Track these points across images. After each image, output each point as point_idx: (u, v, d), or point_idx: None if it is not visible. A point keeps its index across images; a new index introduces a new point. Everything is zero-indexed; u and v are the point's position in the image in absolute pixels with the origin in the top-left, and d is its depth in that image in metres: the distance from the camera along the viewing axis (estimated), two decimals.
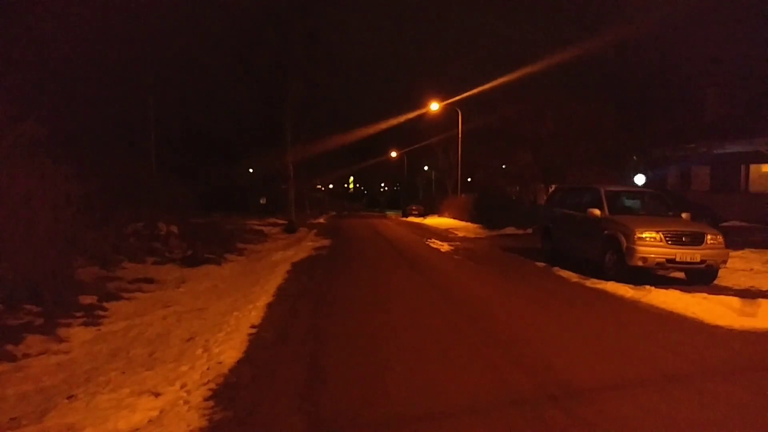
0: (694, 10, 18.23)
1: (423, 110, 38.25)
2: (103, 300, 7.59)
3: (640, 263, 9.33)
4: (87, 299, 7.46)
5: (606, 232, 10.17)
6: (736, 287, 9.27)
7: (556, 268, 11.36)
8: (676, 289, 8.34)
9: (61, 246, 7.60)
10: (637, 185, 18.71)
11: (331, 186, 74.14)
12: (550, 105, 22.40)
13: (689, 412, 3.88)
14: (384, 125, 42.47)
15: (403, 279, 10.48)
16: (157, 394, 4.09)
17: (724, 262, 9.57)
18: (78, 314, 6.76)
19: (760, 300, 7.23)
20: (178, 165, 25.75)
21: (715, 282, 9.64)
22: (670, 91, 20.43)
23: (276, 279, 9.96)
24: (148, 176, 19.10)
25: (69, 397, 4.09)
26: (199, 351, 5.26)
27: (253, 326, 6.31)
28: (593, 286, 9.36)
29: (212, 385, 4.35)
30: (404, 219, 43.56)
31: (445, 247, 17.21)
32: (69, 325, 6.30)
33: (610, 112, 20.35)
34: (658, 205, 11.56)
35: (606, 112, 20.38)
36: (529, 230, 21.90)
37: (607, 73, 21.70)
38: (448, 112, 35.34)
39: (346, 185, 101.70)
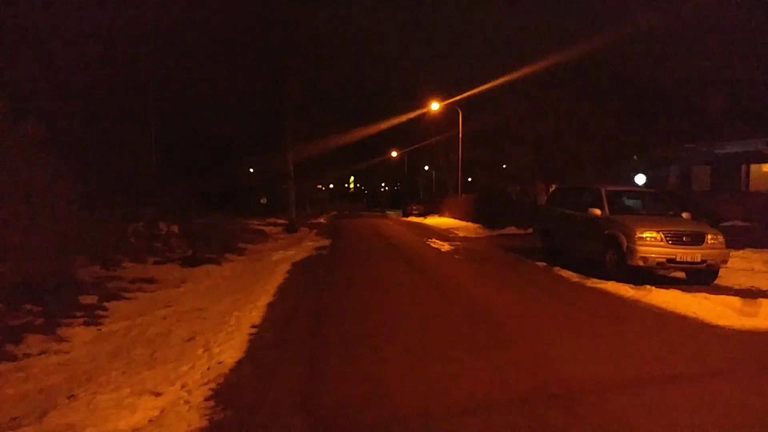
0: (694, 10, 18.23)
1: (423, 110, 38.25)
2: (103, 300, 7.60)
3: (640, 263, 9.32)
4: (87, 299, 7.47)
5: (606, 231, 10.17)
6: (737, 287, 9.26)
7: (556, 268, 11.35)
8: (676, 288, 8.34)
9: (61, 246, 7.61)
10: (637, 185, 18.70)
11: (331, 186, 74.20)
12: (551, 105, 22.40)
13: (690, 412, 3.88)
14: (384, 125, 42.46)
15: (404, 279, 10.47)
16: (157, 394, 4.10)
17: (725, 261, 9.57)
18: (78, 314, 6.77)
19: (761, 300, 7.23)
20: (178, 165, 25.74)
21: (716, 282, 9.62)
22: (670, 91, 20.42)
23: (276, 279, 9.96)
24: (149, 176, 19.12)
25: (69, 397, 4.09)
26: (200, 351, 5.26)
27: (253, 326, 6.32)
28: (594, 285, 9.35)
29: (213, 385, 4.35)
30: (405, 219, 43.52)
31: (445, 246, 17.21)
32: (69, 325, 6.31)
33: (610, 111, 20.36)
34: (658, 205, 11.56)
35: (606, 111, 20.39)
36: (530, 230, 21.90)
37: (608, 73, 21.70)
38: (449, 112, 35.34)
39: (346, 185, 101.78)
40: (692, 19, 18.68)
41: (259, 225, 25.05)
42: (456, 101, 32.73)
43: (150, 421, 3.68)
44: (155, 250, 12.40)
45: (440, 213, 40.96)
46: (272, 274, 10.48)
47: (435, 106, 35.32)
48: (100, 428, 3.53)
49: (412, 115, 40.82)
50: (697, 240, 9.38)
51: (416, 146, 47.52)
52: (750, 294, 8.40)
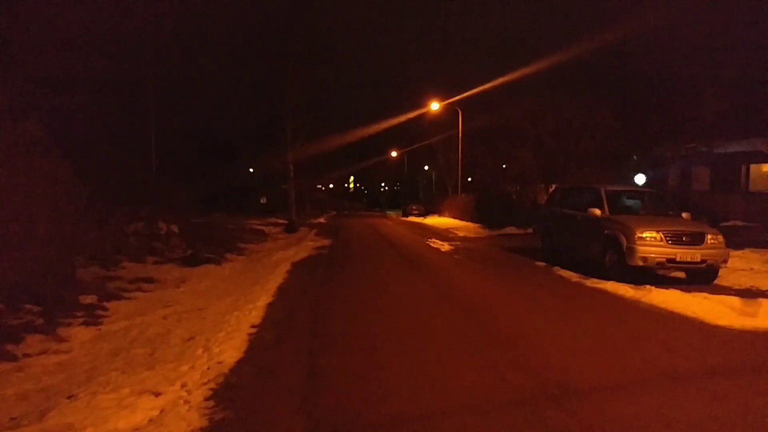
0: (694, 9, 18.25)
1: (423, 110, 38.23)
2: (103, 299, 7.59)
3: (640, 263, 9.33)
4: (87, 299, 7.46)
5: (606, 231, 10.17)
6: (737, 287, 9.27)
7: (556, 268, 11.35)
8: (676, 288, 8.34)
9: (61, 246, 7.61)
10: (637, 185, 18.70)
11: (331, 186, 74.19)
12: (551, 105, 22.41)
13: (690, 412, 3.88)
14: (384, 125, 42.45)
15: (403, 279, 10.47)
16: (157, 394, 4.09)
17: (725, 261, 9.57)
18: (78, 314, 6.76)
19: (761, 300, 7.23)
20: (178, 165, 25.75)
21: (716, 282, 9.64)
22: (669, 90, 20.42)
23: (276, 279, 9.96)
24: (149, 176, 19.12)
25: (69, 397, 4.09)
26: (200, 351, 5.26)
27: (253, 326, 6.32)
28: (593, 285, 9.35)
29: (213, 385, 4.35)
30: (404, 219, 43.52)
31: (445, 246, 17.21)
32: (69, 325, 6.30)
33: (610, 111, 20.36)
34: (658, 205, 11.56)
35: (606, 111, 20.39)
36: (530, 230, 21.91)
37: (608, 73, 21.71)
38: (449, 112, 35.34)
39: (346, 185, 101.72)
40: (693, 18, 18.68)
41: (259, 225, 25.04)
42: (456, 101, 32.75)
43: (150, 420, 3.68)
44: (155, 250, 12.38)
45: (440, 213, 40.97)
46: (272, 274, 10.48)
47: (435, 106, 35.31)
48: (99, 428, 3.53)
49: (412, 115, 40.82)
50: (697, 240, 9.39)
51: (416, 146, 47.54)
52: (750, 294, 8.41)
